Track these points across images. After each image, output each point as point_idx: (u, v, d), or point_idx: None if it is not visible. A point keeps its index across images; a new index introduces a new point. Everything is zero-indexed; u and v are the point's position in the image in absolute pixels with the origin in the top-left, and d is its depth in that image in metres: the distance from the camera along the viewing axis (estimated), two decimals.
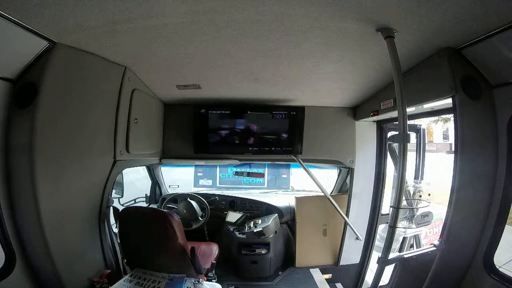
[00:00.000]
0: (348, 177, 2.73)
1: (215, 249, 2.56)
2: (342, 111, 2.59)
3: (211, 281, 2.14)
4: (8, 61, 1.28)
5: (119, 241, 1.94)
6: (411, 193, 2.29)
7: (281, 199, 3.15)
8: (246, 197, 3.16)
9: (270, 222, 2.76)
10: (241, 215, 2.97)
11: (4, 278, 1.28)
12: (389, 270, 1.85)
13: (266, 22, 1.24)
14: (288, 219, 3.00)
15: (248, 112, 2.46)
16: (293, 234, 2.90)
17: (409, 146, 1.34)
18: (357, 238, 2.67)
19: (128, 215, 1.95)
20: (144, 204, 3.15)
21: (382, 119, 2.44)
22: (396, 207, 1.36)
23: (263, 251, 2.75)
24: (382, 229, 2.85)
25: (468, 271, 1.48)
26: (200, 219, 2.91)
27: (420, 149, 2.47)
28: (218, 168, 3.50)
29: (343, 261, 2.76)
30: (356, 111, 2.57)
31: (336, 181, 3.07)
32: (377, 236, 2.71)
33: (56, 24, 1.19)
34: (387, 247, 1.45)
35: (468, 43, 1.31)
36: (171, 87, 2.13)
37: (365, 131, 2.60)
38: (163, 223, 1.77)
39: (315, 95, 2.32)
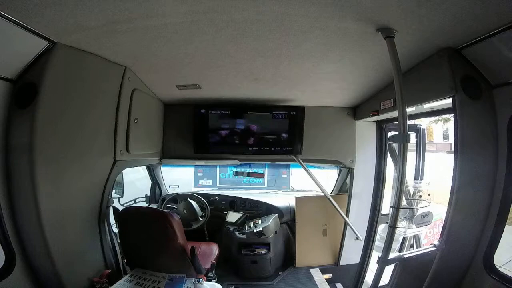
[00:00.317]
0: (348, 177, 2.73)
1: (215, 249, 2.56)
2: (342, 111, 2.59)
3: (211, 281, 2.14)
4: (8, 61, 1.27)
5: (119, 241, 1.94)
6: (411, 193, 2.29)
7: (281, 199, 3.15)
8: (246, 197, 3.16)
9: (270, 222, 2.76)
10: (241, 215, 2.97)
11: (4, 278, 1.28)
12: (389, 270, 1.85)
13: (266, 22, 1.24)
14: (288, 219, 3.00)
15: (248, 112, 2.46)
16: (293, 234, 2.90)
17: (409, 146, 1.34)
18: (357, 238, 2.67)
19: (128, 215, 1.95)
20: (144, 204, 3.15)
21: (382, 119, 2.44)
22: (396, 207, 1.36)
23: (263, 251, 2.75)
24: (382, 229, 2.85)
25: (468, 271, 1.48)
26: (200, 219, 2.91)
27: (420, 149, 2.47)
28: (218, 168, 3.50)
29: (343, 261, 2.76)
30: (356, 111, 2.57)
31: (336, 181, 3.07)
32: (377, 236, 2.71)
33: (56, 24, 1.19)
34: (387, 247, 1.45)
35: (468, 43, 1.31)
36: (171, 87, 2.13)
37: (365, 131, 2.60)
38: (163, 223, 1.77)
39: (315, 95, 2.32)
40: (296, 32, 1.31)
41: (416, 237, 2.57)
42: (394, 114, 2.03)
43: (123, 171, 2.08)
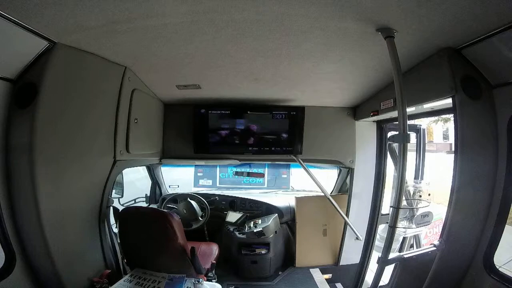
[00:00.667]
0: (348, 177, 2.73)
1: (215, 249, 2.56)
2: (342, 111, 2.59)
3: (211, 281, 2.14)
4: (8, 61, 1.27)
5: (119, 241, 1.94)
6: (411, 193, 2.29)
7: (281, 199, 3.15)
8: (246, 197, 3.16)
9: (270, 222, 2.76)
10: (241, 215, 2.97)
11: (4, 278, 1.28)
12: (389, 270, 1.85)
13: (266, 22, 1.24)
14: (288, 219, 2.99)
15: (248, 112, 2.46)
16: (293, 234, 2.90)
17: (409, 146, 1.34)
18: (357, 238, 2.67)
19: (128, 215, 1.95)
20: (144, 204, 3.15)
21: (382, 119, 2.44)
22: (396, 207, 1.36)
23: (263, 251, 2.75)
24: (382, 229, 2.85)
25: (468, 271, 1.48)
26: (200, 219, 2.91)
27: (420, 149, 2.47)
28: (218, 168, 3.49)
29: (343, 261, 2.76)
30: (356, 111, 2.57)
31: (336, 181, 3.07)
32: (377, 236, 2.71)
33: (56, 24, 1.19)
34: (387, 247, 1.45)
35: (468, 43, 1.31)
36: (171, 87, 2.13)
37: (365, 131, 2.60)
38: (163, 223, 1.77)
39: (315, 95, 2.32)
40: (296, 32, 1.31)
41: (416, 237, 2.57)
42: (394, 114, 2.03)
43: (123, 171, 2.08)
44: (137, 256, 1.92)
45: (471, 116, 1.39)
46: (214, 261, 2.36)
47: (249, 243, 2.76)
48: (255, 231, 2.69)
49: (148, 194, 3.25)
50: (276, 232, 2.80)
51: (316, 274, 2.70)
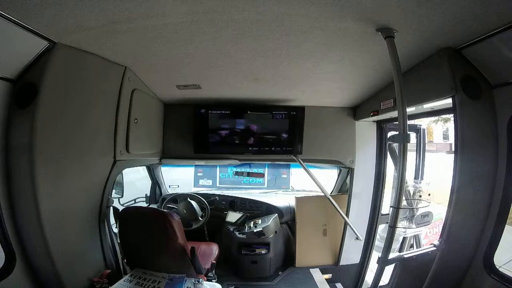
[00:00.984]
0: (348, 177, 2.73)
1: (215, 249, 2.56)
2: (342, 111, 2.59)
3: (211, 281, 2.14)
4: (8, 61, 1.27)
5: (119, 241, 1.94)
6: (411, 193, 2.29)
7: (281, 199, 3.15)
8: (246, 197, 3.16)
9: (270, 222, 2.76)
10: (241, 215, 2.97)
11: (4, 278, 1.28)
12: (389, 270, 1.85)
13: (266, 22, 1.24)
14: (288, 219, 2.99)
15: (248, 112, 2.46)
16: (293, 234, 2.90)
17: (409, 146, 1.34)
18: (357, 238, 2.67)
19: (128, 215, 1.95)
20: (144, 204, 3.15)
21: (382, 119, 2.44)
22: (396, 207, 1.36)
23: (263, 251, 2.75)
24: (382, 229, 2.85)
25: (468, 271, 1.48)
26: (200, 219, 2.91)
27: (420, 149, 2.47)
28: (218, 168, 3.49)
29: (343, 261, 2.76)
30: (356, 111, 2.57)
31: (336, 181, 3.07)
32: (377, 236, 2.71)
33: (56, 24, 1.19)
34: (387, 247, 1.45)
35: (468, 43, 1.31)
36: (171, 87, 2.13)
37: (365, 131, 2.60)
38: (163, 223, 1.77)
39: (315, 95, 2.32)
40: (296, 32, 1.31)
41: (416, 237, 2.57)
42: (394, 114, 2.03)
43: (123, 171, 2.08)
44: (137, 256, 1.92)
45: (471, 116, 1.39)
46: (214, 261, 2.36)
47: (249, 243, 2.76)
48: (255, 231, 2.69)
49: (148, 194, 3.25)
50: (276, 232, 2.80)
51: (316, 274, 2.70)
